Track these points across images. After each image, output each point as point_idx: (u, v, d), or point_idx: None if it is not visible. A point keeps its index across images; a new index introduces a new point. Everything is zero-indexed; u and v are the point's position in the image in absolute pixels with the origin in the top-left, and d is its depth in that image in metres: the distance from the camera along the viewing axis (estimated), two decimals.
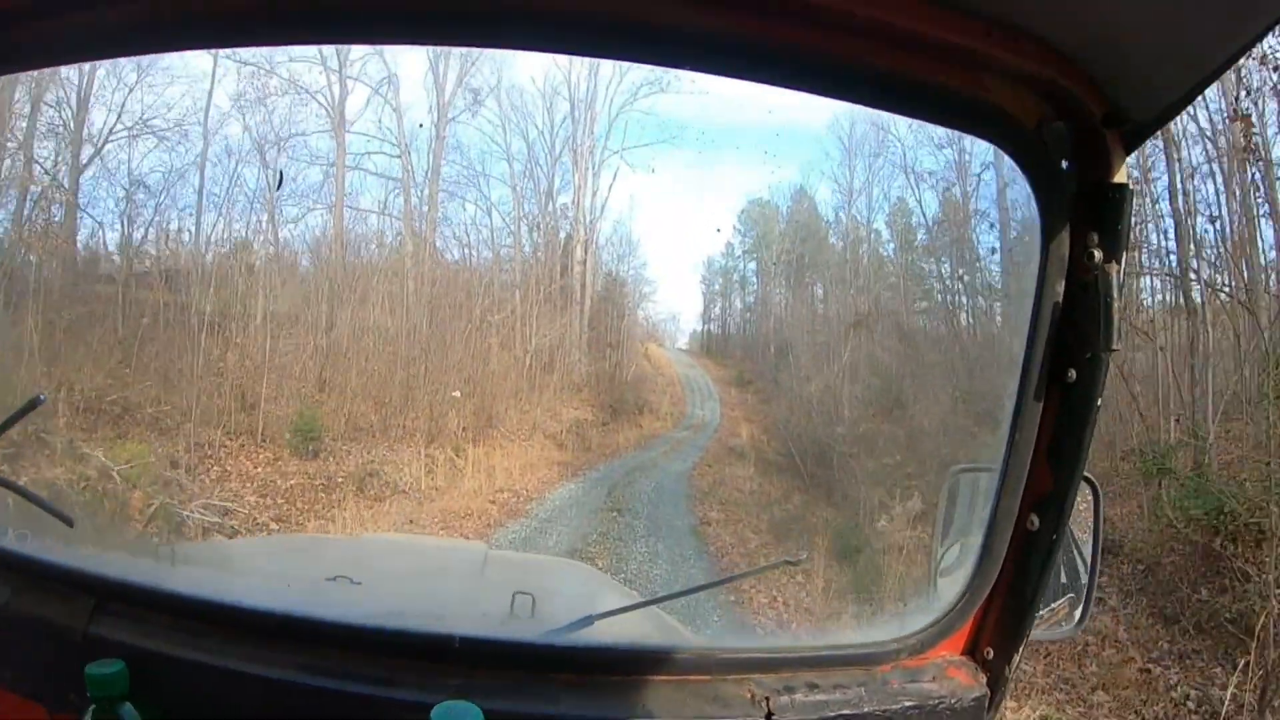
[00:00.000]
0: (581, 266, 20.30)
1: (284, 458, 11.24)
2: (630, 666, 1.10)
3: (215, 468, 10.51)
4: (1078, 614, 1.34)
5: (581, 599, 1.55)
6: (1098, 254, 0.99)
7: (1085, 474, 1.13)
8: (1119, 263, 0.98)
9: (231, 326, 13.07)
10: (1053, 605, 1.31)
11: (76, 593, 1.10)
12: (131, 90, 12.17)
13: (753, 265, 24.87)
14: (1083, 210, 1.01)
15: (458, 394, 16.02)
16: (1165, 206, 10.77)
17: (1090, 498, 1.29)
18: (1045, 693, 5.92)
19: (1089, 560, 1.33)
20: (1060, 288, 1.03)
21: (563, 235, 20.02)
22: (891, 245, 19.34)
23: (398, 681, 1.03)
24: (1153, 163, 10.77)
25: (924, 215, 17.70)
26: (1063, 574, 1.31)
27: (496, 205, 18.08)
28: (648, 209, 23.22)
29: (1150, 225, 10.94)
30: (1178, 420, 9.66)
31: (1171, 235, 10.86)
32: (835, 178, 19.59)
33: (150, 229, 12.77)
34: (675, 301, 30.75)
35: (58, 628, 1.06)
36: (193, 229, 13.38)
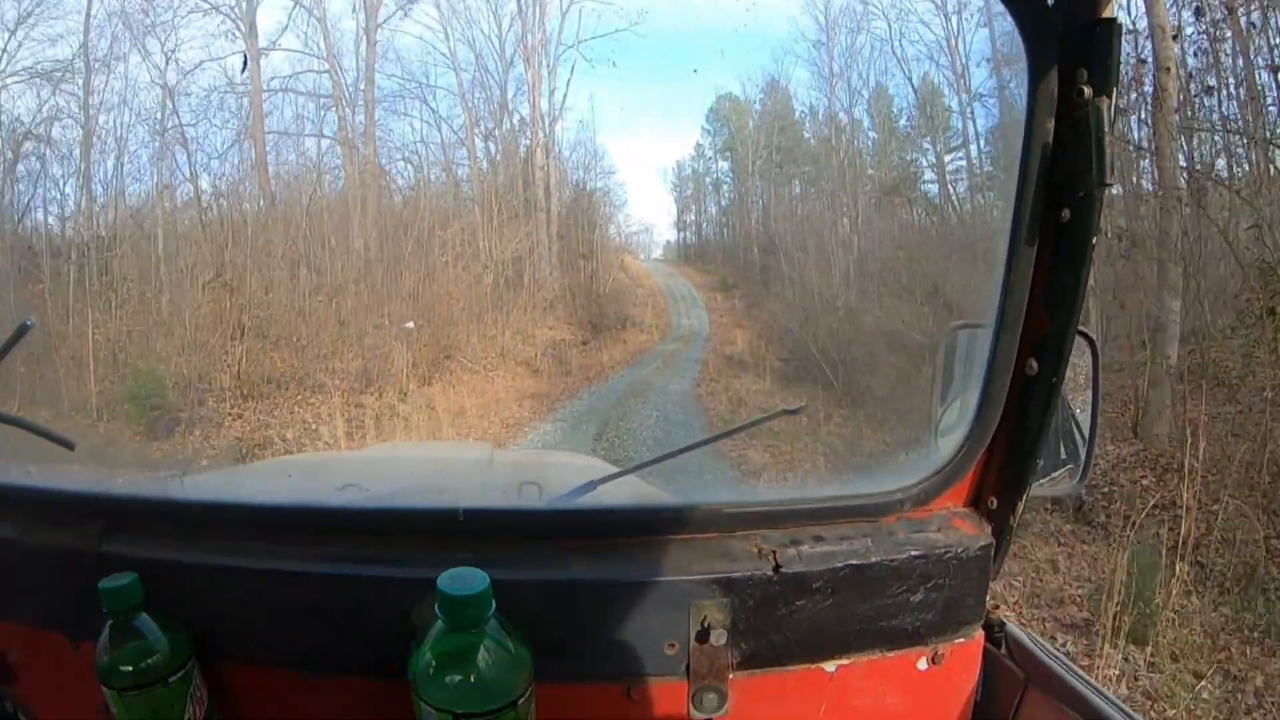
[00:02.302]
0: (543, 172, 17.08)
1: (123, 439, 7.61)
2: (636, 528, 1.02)
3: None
4: (1079, 472, 1.20)
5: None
6: (1087, 90, 0.88)
7: (1083, 329, 1.06)
8: (1109, 97, 0.88)
9: (124, 287, 9.69)
10: (1054, 475, 1.19)
11: (85, 517, 1.03)
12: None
13: (726, 165, 22.34)
14: (1070, 47, 0.89)
15: (411, 324, 12.66)
16: None
17: (1089, 354, 1.19)
18: None
19: (1089, 420, 1.21)
20: (1050, 126, 0.92)
21: (522, 147, 16.86)
22: (872, 134, 16.77)
23: (407, 559, 0.96)
24: None
25: (913, 86, 15.18)
26: (1062, 449, 1.20)
27: (447, 119, 15.17)
28: (612, 109, 20.23)
29: None
30: None
31: None
32: (814, 61, 16.96)
33: (36, 188, 10.23)
34: (647, 212, 28.62)
35: (70, 553, 0.99)
36: (81, 185, 10.64)
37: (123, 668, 0.88)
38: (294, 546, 0.99)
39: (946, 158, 15.66)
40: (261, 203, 12.53)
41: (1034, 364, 0.99)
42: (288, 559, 0.97)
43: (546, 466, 2.12)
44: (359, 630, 0.94)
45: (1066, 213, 0.92)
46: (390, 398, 9.79)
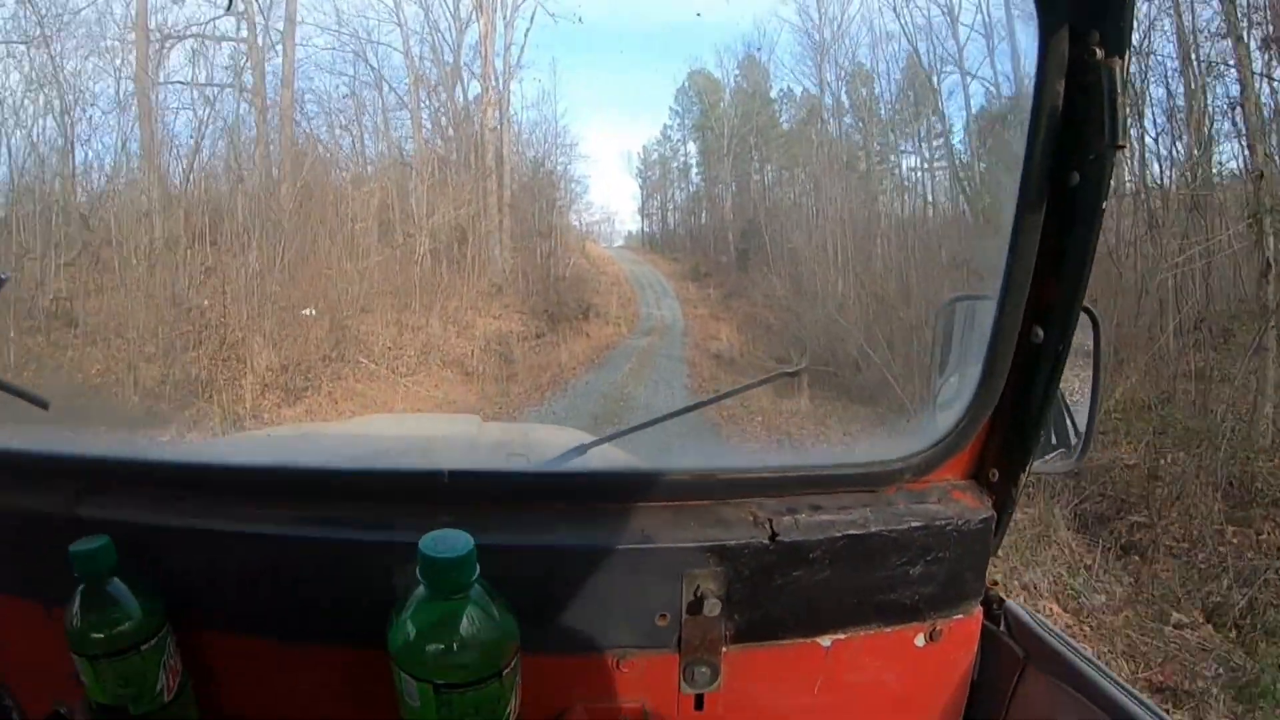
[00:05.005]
0: (495, 134, 13.50)
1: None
2: (627, 493, 0.92)
3: None
4: (1078, 449, 1.07)
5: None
6: (1099, 51, 0.78)
7: (1086, 305, 0.93)
8: (1122, 57, 0.78)
9: None
10: (1048, 457, 1.05)
11: (60, 479, 0.93)
12: None
13: (694, 148, 19.39)
14: (1082, 7, 0.80)
15: (310, 311, 8.91)
16: None
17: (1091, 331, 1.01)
18: None
19: (1090, 396, 1.06)
20: (1060, 88, 0.81)
21: (475, 114, 13.17)
22: (876, 108, 13.83)
23: (389, 523, 0.85)
24: None
25: (918, 56, 12.32)
26: (1053, 435, 1.06)
27: (388, 79, 11.79)
28: (575, 75, 16.83)
29: None
30: None
31: None
32: (802, 28, 13.76)
33: None
34: (609, 200, 26.07)
35: (43, 517, 0.89)
36: None
37: (93, 634, 0.79)
38: (273, 510, 0.88)
39: (938, 142, 13.34)
40: (140, 163, 8.76)
41: (1039, 332, 0.89)
42: (266, 523, 0.87)
43: (536, 439, 1.78)
44: (338, 596, 0.84)
45: (1076, 176, 0.82)
46: (211, 428, 5.84)
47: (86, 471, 0.94)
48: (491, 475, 0.94)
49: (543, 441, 1.63)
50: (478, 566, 0.71)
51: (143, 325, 6.76)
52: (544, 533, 0.86)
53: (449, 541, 0.71)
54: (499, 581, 0.75)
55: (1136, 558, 3.83)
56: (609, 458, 1.03)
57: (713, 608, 0.84)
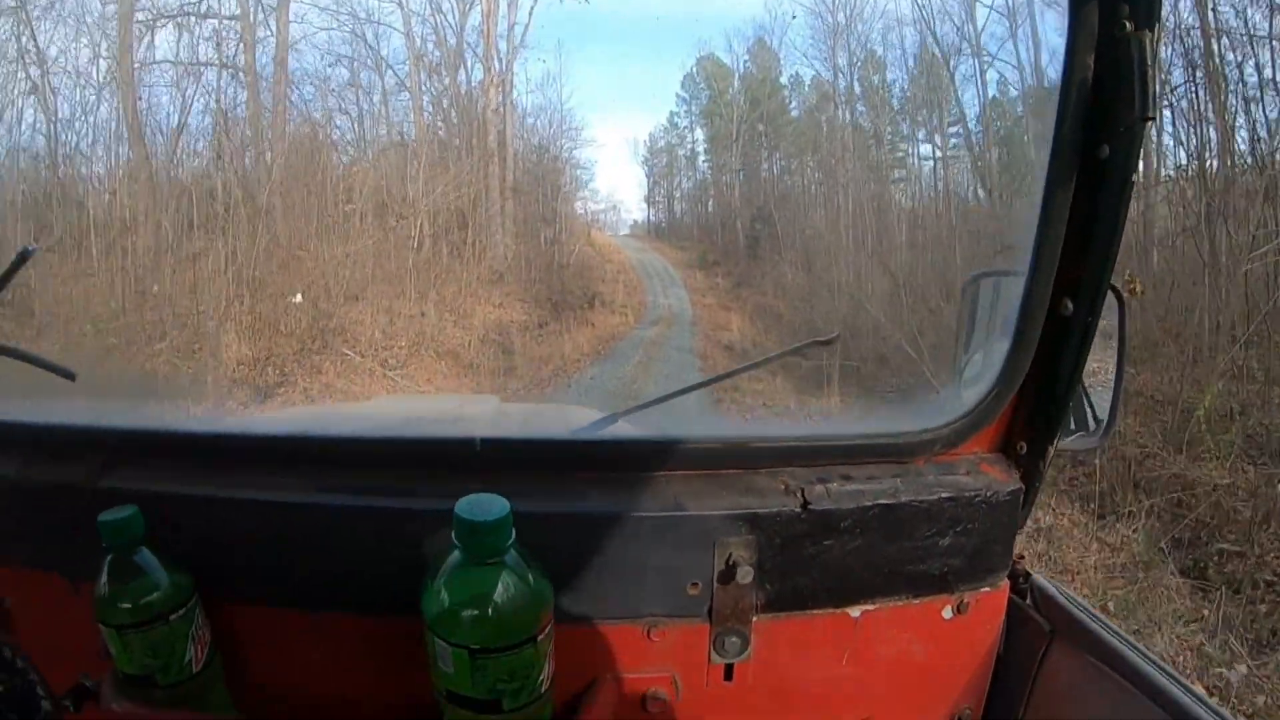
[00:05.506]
0: (498, 115, 12.85)
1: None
2: (658, 461, 0.91)
3: None
4: (1103, 427, 1.06)
5: None
6: (1129, 25, 0.78)
7: (1112, 283, 0.92)
8: (1152, 30, 0.78)
9: None
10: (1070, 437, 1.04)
11: (85, 450, 0.91)
12: None
13: (701, 135, 18.78)
14: None
15: (299, 298, 8.25)
16: None
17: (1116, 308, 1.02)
18: None
19: (1114, 373, 1.07)
20: (1090, 61, 0.81)
21: (479, 106, 12.69)
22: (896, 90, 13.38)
23: (420, 490, 0.85)
24: None
25: (935, 39, 11.63)
26: (1071, 420, 1.01)
27: (387, 59, 11.34)
28: (580, 59, 16.15)
29: None
30: None
31: None
32: (815, 11, 13.30)
33: None
34: (614, 189, 25.78)
35: (69, 490, 0.88)
36: None
37: (121, 605, 0.79)
38: (303, 478, 0.87)
39: (953, 128, 12.69)
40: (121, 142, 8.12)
41: (1068, 304, 0.88)
42: (296, 491, 0.86)
43: (556, 418, 1.77)
44: (369, 565, 0.84)
45: (1106, 149, 0.82)
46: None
47: (112, 442, 0.92)
48: (524, 443, 0.93)
49: (565, 418, 1.56)
50: (514, 531, 0.71)
51: (103, 313, 6.12)
52: (576, 500, 0.85)
53: (485, 505, 0.71)
54: (531, 549, 0.75)
55: (1262, 607, 3.19)
56: (640, 427, 1.00)
57: (745, 575, 0.83)
